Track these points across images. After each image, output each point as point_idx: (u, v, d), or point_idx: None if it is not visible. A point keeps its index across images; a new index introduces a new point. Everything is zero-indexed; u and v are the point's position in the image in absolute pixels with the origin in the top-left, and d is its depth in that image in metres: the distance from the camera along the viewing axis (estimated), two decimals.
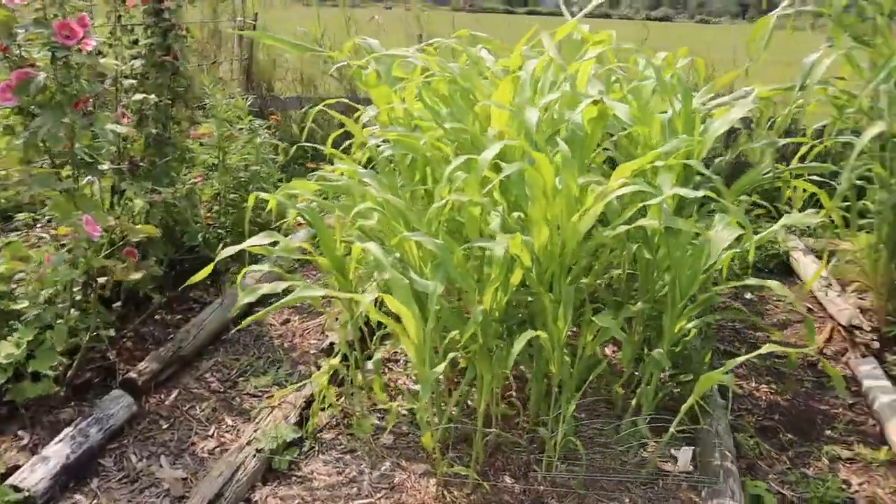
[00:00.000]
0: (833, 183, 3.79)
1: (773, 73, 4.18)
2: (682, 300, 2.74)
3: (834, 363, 3.57)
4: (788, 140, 3.54)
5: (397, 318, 2.51)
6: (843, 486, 2.73)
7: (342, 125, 3.28)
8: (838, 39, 3.39)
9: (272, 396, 3.03)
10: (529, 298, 2.76)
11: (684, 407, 2.58)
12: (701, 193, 2.59)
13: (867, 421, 3.15)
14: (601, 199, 2.55)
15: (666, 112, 3.05)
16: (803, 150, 3.79)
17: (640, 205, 2.65)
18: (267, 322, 3.76)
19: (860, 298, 4.05)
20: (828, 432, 3.06)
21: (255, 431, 2.73)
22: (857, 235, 3.73)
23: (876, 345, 3.62)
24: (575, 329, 3.09)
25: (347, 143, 3.44)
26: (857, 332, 3.69)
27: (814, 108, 3.60)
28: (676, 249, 2.70)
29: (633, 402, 2.90)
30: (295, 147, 4.79)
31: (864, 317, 3.80)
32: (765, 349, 2.51)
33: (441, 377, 2.66)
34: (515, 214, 2.78)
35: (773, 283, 2.66)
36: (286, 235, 3.11)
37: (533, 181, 2.47)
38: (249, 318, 2.70)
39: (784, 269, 4.63)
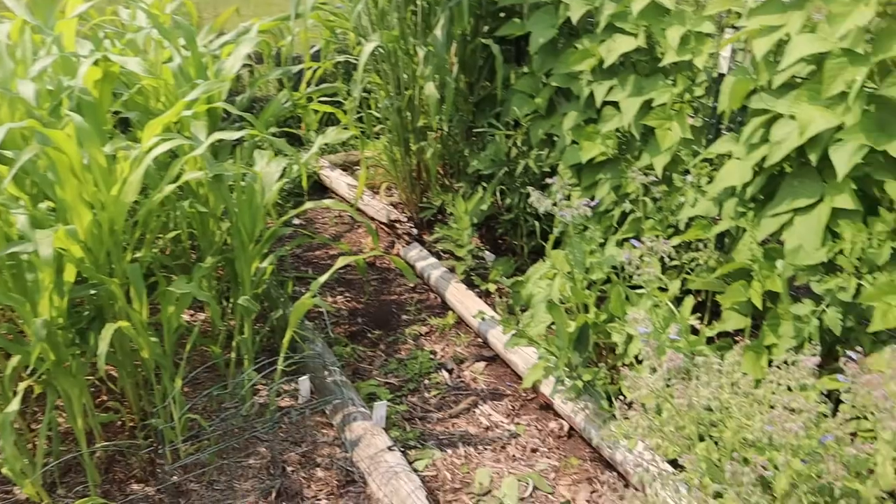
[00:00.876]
0: (339, 101, 4.11)
1: (267, 10, 4.26)
2: (251, 243, 2.73)
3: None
4: (301, 66, 3.67)
5: None
6: (432, 356, 3.11)
7: None
8: None
9: None
10: (93, 291, 2.47)
11: (285, 341, 2.63)
12: (242, 133, 2.56)
13: (429, 296, 3.60)
14: (139, 163, 2.36)
15: (173, 60, 2.91)
16: (308, 74, 3.99)
17: (184, 158, 2.51)
18: None
19: (390, 196, 4.53)
20: (404, 317, 3.43)
21: None
22: (375, 141, 4.11)
23: (415, 231, 4.11)
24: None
25: None
26: (397, 226, 4.14)
27: (307, 35, 3.78)
28: (231, 195, 2.66)
29: (233, 356, 2.84)
30: None
31: (398, 210, 4.27)
32: (341, 262, 2.66)
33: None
34: (44, 205, 2.43)
35: (328, 202, 2.82)
36: None
37: (58, 162, 2.17)
38: None
39: (318, 188, 4.90)
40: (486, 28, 3.86)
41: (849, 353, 1.99)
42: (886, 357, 1.99)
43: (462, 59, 3.86)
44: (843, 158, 2.15)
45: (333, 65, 4.65)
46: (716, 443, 2.02)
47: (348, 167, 5.15)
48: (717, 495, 1.88)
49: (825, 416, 2.01)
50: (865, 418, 1.92)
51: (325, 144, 5.49)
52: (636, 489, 1.98)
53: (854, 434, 1.97)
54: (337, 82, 4.28)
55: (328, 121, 5.08)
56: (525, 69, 3.72)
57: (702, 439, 2.04)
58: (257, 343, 2.85)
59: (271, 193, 2.74)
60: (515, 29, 3.62)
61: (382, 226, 4.21)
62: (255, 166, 2.78)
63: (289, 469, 2.47)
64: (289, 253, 3.88)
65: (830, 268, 2.32)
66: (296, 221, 4.46)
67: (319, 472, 2.46)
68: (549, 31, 3.44)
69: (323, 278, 2.69)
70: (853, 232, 2.21)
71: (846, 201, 2.22)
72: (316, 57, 4.67)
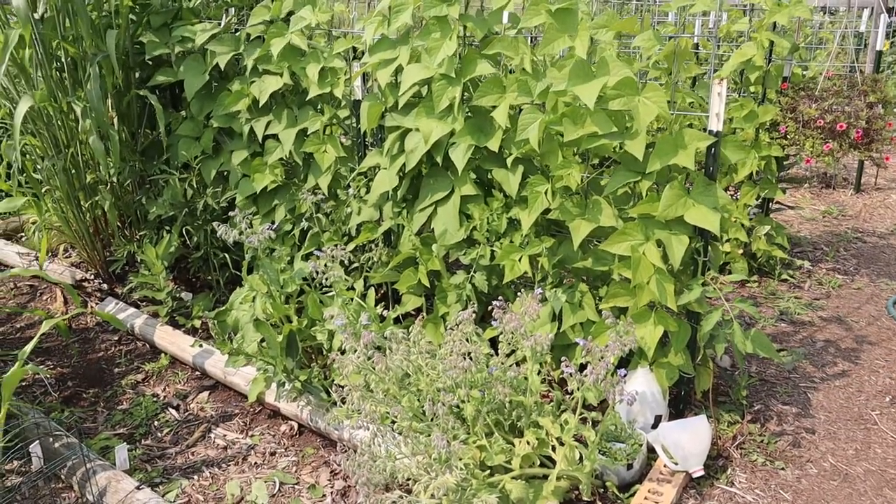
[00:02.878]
0: None
1: None
2: None
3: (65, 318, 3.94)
4: None
5: None
6: (155, 399, 3.24)
7: None
8: None
9: None
10: None
11: (0, 417, 2.61)
12: None
13: (137, 345, 3.69)
14: None
15: None
16: None
17: None
18: None
19: (68, 257, 4.44)
20: (117, 370, 3.48)
21: None
22: (41, 203, 4.01)
23: (105, 287, 4.12)
24: None
25: None
26: (86, 284, 4.10)
27: None
28: None
29: None
30: None
31: (83, 269, 4.23)
32: (46, 326, 2.71)
33: None
34: None
35: (16, 270, 2.81)
36: None
37: None
38: None
39: None
40: (137, 77, 4.00)
41: (494, 302, 2.61)
42: (519, 301, 2.66)
43: (120, 111, 3.95)
44: (459, 156, 2.79)
45: None
46: (417, 399, 2.52)
47: (10, 235, 4.90)
48: (427, 434, 2.37)
49: (491, 355, 2.62)
50: (516, 350, 2.56)
51: None
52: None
53: (518, 363, 2.60)
54: None
55: None
56: (184, 114, 3.95)
57: (405, 396, 2.53)
58: None
59: None
60: (169, 76, 3.83)
61: (71, 288, 4.13)
62: None
63: None
64: None
65: (470, 242, 2.96)
66: None
67: None
68: (202, 77, 3.72)
69: (30, 346, 2.71)
70: (479, 212, 2.87)
71: (469, 189, 2.87)
72: None
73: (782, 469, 2.73)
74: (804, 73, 4.67)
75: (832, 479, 2.69)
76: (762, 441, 2.86)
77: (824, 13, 8.01)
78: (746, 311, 2.73)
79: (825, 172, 6.53)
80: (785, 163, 4.31)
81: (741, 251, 4.27)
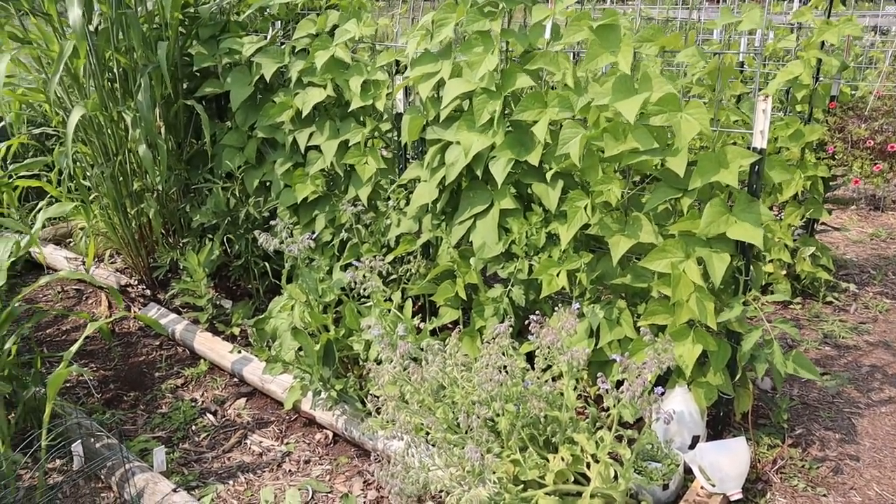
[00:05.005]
0: (37, 174, 4.06)
1: None
2: None
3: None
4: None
5: None
6: (193, 404, 3.29)
7: None
8: (6, 43, 3.55)
9: None
10: None
11: (46, 416, 2.67)
12: None
13: (178, 350, 3.75)
14: None
15: None
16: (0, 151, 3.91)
17: None
18: None
19: (114, 263, 4.54)
20: (157, 374, 3.54)
21: None
22: (88, 209, 4.11)
23: (148, 293, 4.20)
24: None
25: None
26: (129, 290, 4.19)
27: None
28: None
29: None
30: None
31: (127, 275, 4.32)
32: (90, 329, 2.77)
33: None
34: None
35: (63, 273, 2.90)
36: None
37: None
38: None
39: (32, 267, 4.70)
40: (185, 88, 4.09)
41: (532, 317, 2.60)
42: (557, 316, 2.64)
43: (167, 120, 4.05)
44: (499, 170, 2.80)
45: (29, 137, 4.57)
46: (452, 411, 2.52)
47: (60, 240, 5.02)
48: (461, 446, 2.36)
49: (527, 369, 2.60)
50: (552, 365, 2.54)
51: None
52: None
53: (555, 378, 2.58)
54: (30, 154, 4.22)
55: (26, 196, 4.94)
56: (229, 124, 4.03)
57: (440, 408, 2.53)
58: (12, 426, 2.83)
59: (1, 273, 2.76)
60: (216, 87, 3.91)
61: (116, 292, 4.22)
62: None
63: None
64: (29, 331, 3.76)
65: (508, 256, 2.96)
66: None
67: None
68: (247, 89, 3.79)
69: (75, 347, 2.77)
70: (518, 226, 2.86)
71: (509, 203, 2.87)
72: (2, 132, 4.54)
73: (824, 496, 2.66)
74: (853, 92, 4.58)
75: None
76: (803, 466, 2.79)
77: (875, 33, 7.86)
78: (788, 333, 2.68)
79: (874, 194, 6.38)
80: (831, 183, 4.22)
81: (784, 272, 4.19)
